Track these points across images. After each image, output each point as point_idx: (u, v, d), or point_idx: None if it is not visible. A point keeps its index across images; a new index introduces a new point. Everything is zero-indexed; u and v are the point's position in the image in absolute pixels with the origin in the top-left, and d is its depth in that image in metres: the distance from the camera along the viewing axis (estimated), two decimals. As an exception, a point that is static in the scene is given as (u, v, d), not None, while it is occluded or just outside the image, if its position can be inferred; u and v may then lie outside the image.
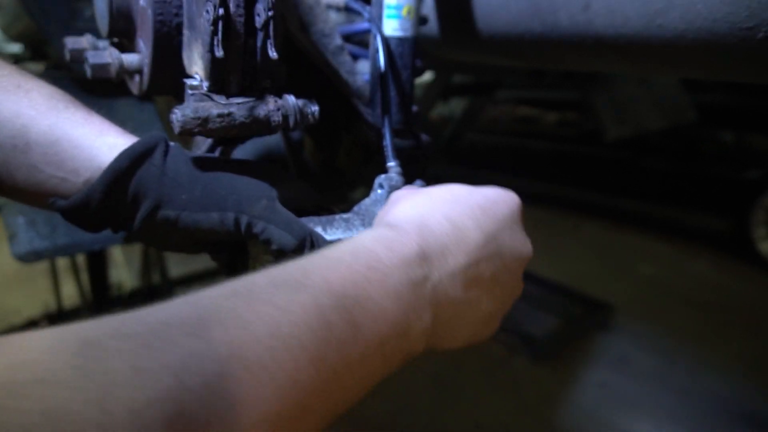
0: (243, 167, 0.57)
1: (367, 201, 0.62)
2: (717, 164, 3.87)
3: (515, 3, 0.77)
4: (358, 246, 0.41)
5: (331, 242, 0.56)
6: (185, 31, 0.55)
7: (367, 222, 0.60)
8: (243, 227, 0.52)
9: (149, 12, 0.54)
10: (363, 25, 0.88)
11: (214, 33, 0.48)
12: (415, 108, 0.78)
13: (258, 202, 0.53)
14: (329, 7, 0.85)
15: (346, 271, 0.38)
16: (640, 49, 0.66)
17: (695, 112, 2.49)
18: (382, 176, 0.64)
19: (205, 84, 0.52)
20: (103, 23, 0.62)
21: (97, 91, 1.25)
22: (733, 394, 2.44)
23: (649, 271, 3.76)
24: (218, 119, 0.51)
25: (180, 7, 0.55)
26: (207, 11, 0.47)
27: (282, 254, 0.54)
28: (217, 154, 0.66)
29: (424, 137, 0.78)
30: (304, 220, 0.57)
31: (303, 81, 0.78)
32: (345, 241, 0.44)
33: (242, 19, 0.49)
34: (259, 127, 0.53)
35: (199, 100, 0.51)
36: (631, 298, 3.33)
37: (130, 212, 0.52)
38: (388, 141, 0.72)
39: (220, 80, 0.52)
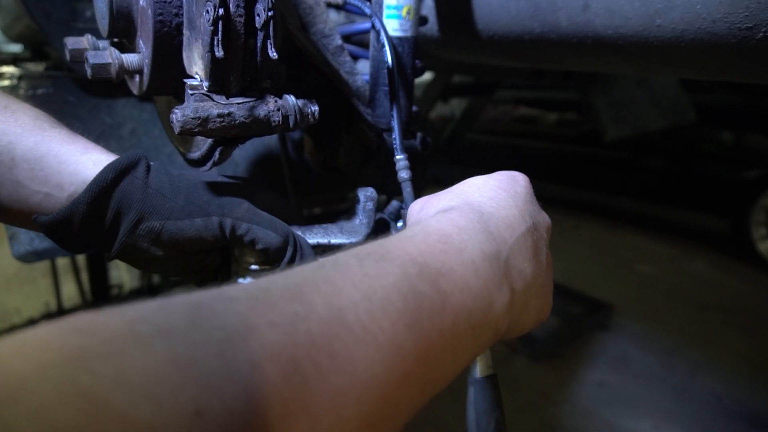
0: (220, 181, 0.59)
1: (345, 216, 0.65)
2: (717, 164, 3.86)
3: (515, 3, 0.77)
4: (425, 226, 0.42)
5: (312, 245, 0.58)
6: (185, 32, 0.55)
7: (346, 230, 0.62)
8: (227, 230, 0.53)
9: (149, 12, 0.54)
10: (363, 25, 0.88)
11: (214, 33, 0.48)
12: (415, 108, 0.78)
13: (240, 206, 0.55)
14: (329, 6, 0.85)
15: (422, 245, 0.38)
16: (639, 49, 0.66)
17: (695, 112, 2.49)
18: (360, 190, 0.65)
19: (205, 84, 0.52)
20: (103, 23, 0.62)
21: (97, 91, 1.25)
22: (732, 394, 2.44)
23: (649, 271, 3.76)
24: (218, 119, 0.51)
25: (180, 7, 0.55)
26: (207, 11, 0.47)
27: (267, 255, 0.55)
28: (217, 154, 0.66)
29: (425, 137, 0.79)
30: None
31: (303, 81, 0.78)
32: (409, 226, 0.45)
33: (242, 19, 0.49)
34: (259, 127, 0.53)
35: (199, 100, 0.51)
36: (631, 298, 3.33)
37: (113, 228, 0.52)
38: (396, 134, 0.72)
39: (220, 80, 0.52)
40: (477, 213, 0.44)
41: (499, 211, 0.46)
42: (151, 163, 0.56)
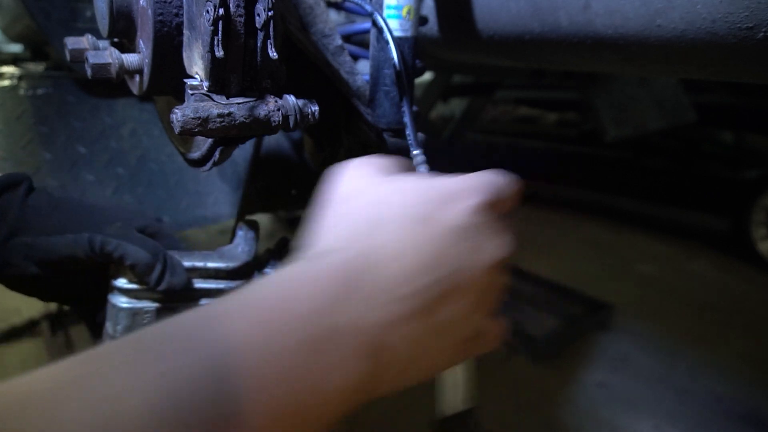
0: (106, 205, 0.61)
1: (229, 246, 0.66)
2: (717, 164, 3.86)
3: (515, 3, 0.77)
4: (263, 291, 0.35)
5: (187, 267, 0.60)
6: (185, 31, 0.55)
7: (226, 256, 0.63)
8: (97, 246, 0.53)
9: (149, 12, 0.54)
10: (363, 25, 0.88)
11: (214, 33, 0.48)
12: (415, 108, 0.78)
13: (113, 224, 0.56)
14: (329, 5, 0.85)
15: (242, 322, 0.32)
16: (639, 49, 0.66)
17: (695, 112, 2.49)
18: (242, 223, 0.67)
19: (206, 84, 0.52)
20: (103, 23, 0.62)
21: (97, 91, 1.25)
22: (733, 394, 2.44)
23: (649, 271, 3.76)
24: (218, 119, 0.51)
25: (180, 7, 0.55)
26: (207, 11, 0.47)
27: (136, 272, 0.56)
28: (217, 154, 0.66)
29: (425, 137, 0.78)
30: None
31: (303, 81, 0.78)
32: (256, 281, 0.38)
33: (242, 19, 0.49)
34: (259, 127, 0.53)
35: (199, 100, 0.51)
36: (631, 298, 3.33)
37: None
38: (410, 129, 0.72)
39: (220, 80, 0.52)
40: (357, 268, 0.36)
41: (397, 260, 0.37)
42: (36, 186, 0.58)
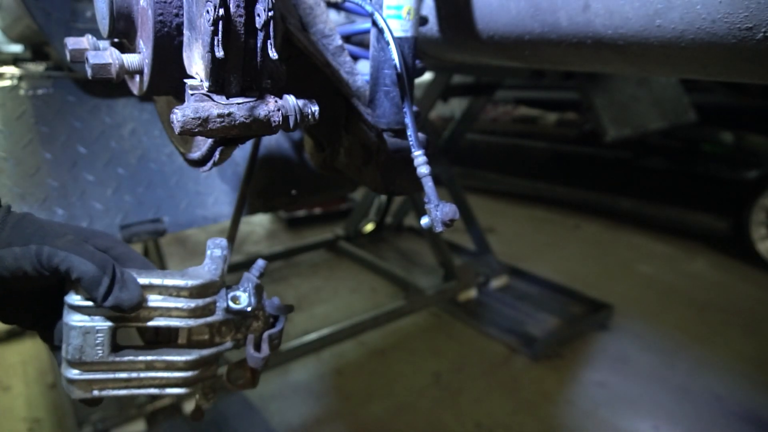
0: (62, 223, 0.59)
1: (196, 267, 0.63)
2: (717, 164, 3.87)
3: (515, 4, 0.77)
4: None
5: (143, 284, 0.57)
6: (186, 32, 0.55)
7: (188, 275, 0.60)
8: (44, 258, 0.51)
9: (149, 12, 0.55)
10: (363, 25, 0.88)
11: (215, 33, 0.48)
12: (415, 108, 0.78)
13: (62, 237, 0.54)
14: (329, 5, 0.85)
15: None
16: (639, 49, 0.66)
17: (695, 112, 2.49)
18: (210, 240, 0.65)
19: (206, 84, 0.52)
20: (103, 24, 0.62)
21: (97, 91, 1.25)
22: (732, 394, 2.44)
23: (649, 271, 3.76)
24: (218, 119, 0.51)
25: (180, 7, 0.55)
26: (207, 11, 0.47)
27: (83, 286, 0.53)
28: (217, 154, 0.66)
29: (425, 137, 0.79)
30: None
31: (303, 81, 0.78)
32: None
33: (242, 20, 0.49)
34: (259, 127, 0.53)
35: (200, 100, 0.51)
36: (631, 298, 3.33)
37: None
38: (411, 130, 0.72)
39: (220, 80, 0.52)
40: None
41: None
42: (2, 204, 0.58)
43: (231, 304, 0.64)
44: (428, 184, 0.69)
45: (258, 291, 0.67)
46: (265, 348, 0.67)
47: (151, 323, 0.59)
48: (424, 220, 0.69)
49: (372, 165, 0.82)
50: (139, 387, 0.61)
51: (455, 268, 3.24)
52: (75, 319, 0.56)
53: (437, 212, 0.67)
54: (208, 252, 0.64)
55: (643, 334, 2.95)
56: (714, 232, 3.94)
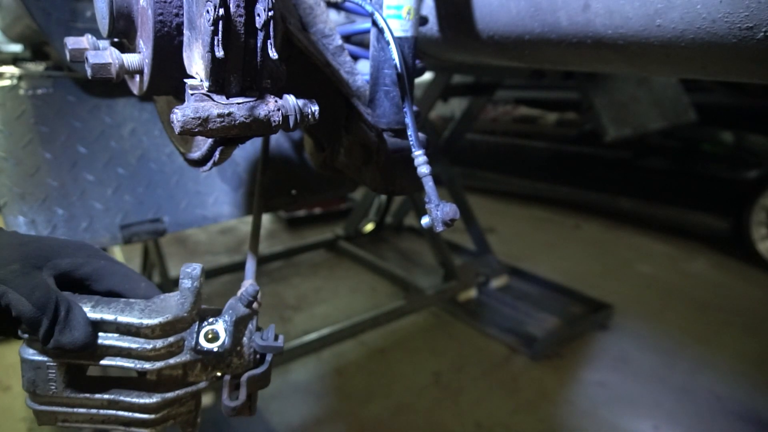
0: (29, 236, 0.56)
1: (169, 294, 0.58)
2: (717, 164, 3.87)
3: (515, 4, 0.77)
4: None
5: (94, 320, 0.53)
6: (186, 32, 0.55)
7: (151, 309, 0.55)
8: None
9: (149, 12, 0.54)
10: (363, 25, 0.88)
11: (215, 33, 0.48)
12: (415, 108, 0.78)
13: (6, 266, 0.50)
14: (329, 5, 0.85)
15: None
16: (639, 49, 0.66)
17: (695, 112, 2.49)
18: (184, 267, 0.58)
19: (206, 84, 0.52)
20: (103, 23, 0.62)
21: (97, 91, 1.25)
22: (732, 394, 2.44)
23: (649, 271, 3.76)
24: (218, 119, 0.51)
25: (180, 7, 0.55)
26: (207, 11, 0.47)
27: (26, 329, 0.50)
28: (217, 154, 0.66)
29: (426, 137, 0.78)
30: (76, 296, 0.54)
31: (303, 81, 0.78)
32: None
33: (242, 19, 0.49)
34: (259, 127, 0.53)
35: (200, 100, 0.51)
36: (631, 298, 3.33)
37: None
38: (411, 130, 0.72)
39: (220, 80, 0.52)
40: None
41: None
42: None
43: (202, 342, 0.58)
44: (429, 184, 0.69)
45: (240, 324, 0.60)
46: (242, 394, 0.60)
47: (104, 362, 0.55)
48: (425, 220, 0.69)
49: (372, 165, 0.82)
50: (104, 422, 0.58)
51: (455, 268, 3.24)
52: (28, 353, 0.54)
53: (438, 212, 0.67)
54: (180, 282, 0.57)
55: (643, 333, 2.95)
56: (714, 232, 3.94)
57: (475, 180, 5.34)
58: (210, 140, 0.66)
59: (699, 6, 0.56)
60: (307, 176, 1.38)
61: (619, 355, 2.76)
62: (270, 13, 0.49)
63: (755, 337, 2.92)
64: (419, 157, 0.69)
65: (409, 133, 0.72)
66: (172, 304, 0.56)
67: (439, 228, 0.67)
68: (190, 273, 0.57)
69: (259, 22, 0.49)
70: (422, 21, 0.85)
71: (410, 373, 2.59)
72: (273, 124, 0.54)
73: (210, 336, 0.58)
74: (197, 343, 0.57)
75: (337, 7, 0.85)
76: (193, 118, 0.50)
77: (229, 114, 0.51)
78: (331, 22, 0.82)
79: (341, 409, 2.36)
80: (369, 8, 0.75)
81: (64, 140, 1.19)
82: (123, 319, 0.54)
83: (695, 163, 3.96)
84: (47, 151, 1.16)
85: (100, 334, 0.54)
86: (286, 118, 0.55)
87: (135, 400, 0.56)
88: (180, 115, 0.49)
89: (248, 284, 0.62)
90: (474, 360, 2.71)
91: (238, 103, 0.52)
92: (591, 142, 4.42)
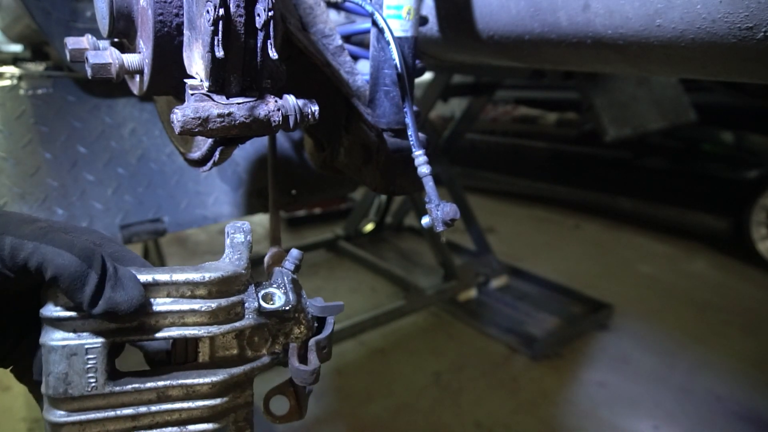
0: (34, 216, 0.47)
1: (214, 261, 0.51)
2: (717, 164, 3.87)
3: (515, 3, 0.77)
4: None
5: (145, 282, 0.44)
6: (186, 32, 0.55)
7: (203, 270, 0.47)
8: (6, 251, 0.38)
9: (149, 12, 0.54)
10: (363, 25, 0.88)
11: (215, 33, 0.48)
12: (415, 108, 0.78)
13: (31, 223, 0.41)
14: (329, 5, 0.85)
15: None
16: (639, 49, 0.66)
17: (695, 112, 2.49)
18: (229, 225, 0.51)
19: (206, 84, 0.52)
20: (103, 24, 0.62)
21: (97, 91, 1.25)
22: (733, 394, 2.44)
23: (649, 271, 3.76)
24: (218, 119, 0.51)
25: (180, 7, 0.55)
26: (207, 11, 0.47)
27: (62, 286, 0.40)
28: (217, 154, 0.66)
29: (426, 137, 0.79)
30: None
31: (303, 81, 0.78)
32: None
33: (242, 20, 0.49)
34: (259, 127, 0.53)
35: (200, 100, 0.51)
36: (631, 298, 3.33)
37: None
38: (412, 130, 0.72)
39: (220, 80, 0.52)
40: None
41: None
42: None
43: (263, 303, 0.51)
44: (429, 184, 0.69)
45: (296, 287, 0.54)
46: (314, 359, 0.53)
47: (159, 335, 0.45)
48: (425, 220, 0.69)
49: (372, 165, 0.82)
50: (151, 427, 0.46)
51: (455, 268, 3.24)
52: (55, 338, 0.42)
53: (438, 212, 0.67)
54: (228, 239, 0.50)
55: (643, 334, 2.95)
56: (714, 232, 3.94)
57: (475, 180, 5.34)
58: (210, 140, 0.66)
59: (699, 6, 0.56)
60: (307, 176, 1.38)
61: (619, 355, 2.76)
62: (270, 13, 0.49)
63: (755, 337, 2.92)
64: (419, 157, 0.69)
65: (409, 133, 0.72)
66: (224, 264, 0.49)
67: (440, 228, 0.67)
68: (241, 227, 0.51)
69: (259, 22, 0.49)
70: (422, 21, 0.85)
71: (410, 373, 2.59)
72: (273, 124, 0.54)
73: (268, 299, 0.52)
74: (260, 304, 0.50)
75: (337, 7, 0.85)
76: (193, 118, 0.50)
77: (229, 114, 0.51)
78: (331, 22, 0.82)
79: (341, 409, 2.36)
80: (369, 8, 0.75)
81: (64, 140, 1.19)
82: (179, 277, 0.46)
83: (695, 163, 3.96)
84: (47, 151, 1.16)
85: (151, 301, 0.45)
86: (286, 118, 0.55)
87: (198, 380, 0.47)
88: (180, 115, 0.49)
89: (293, 250, 0.56)
90: (474, 360, 2.70)
91: (238, 103, 0.52)
92: (591, 142, 4.42)
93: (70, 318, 0.42)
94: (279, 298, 0.52)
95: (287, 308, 0.51)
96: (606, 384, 2.52)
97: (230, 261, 0.50)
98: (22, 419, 2.25)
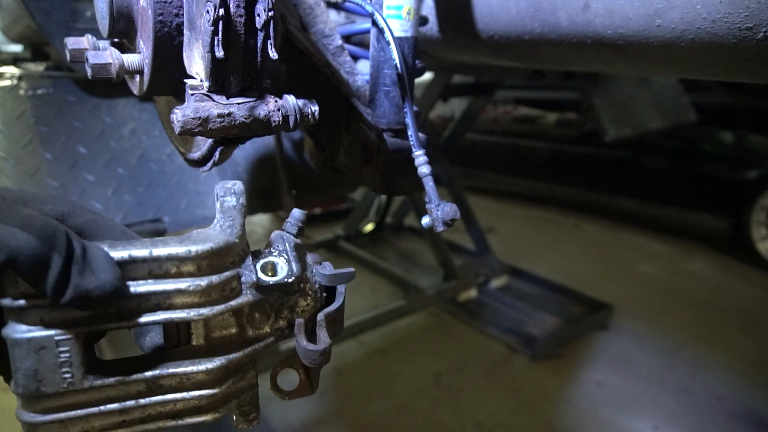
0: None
1: (204, 228, 0.45)
2: (717, 164, 3.87)
3: (515, 4, 0.77)
4: None
5: (120, 259, 0.38)
6: (186, 32, 0.55)
7: (189, 241, 0.41)
8: None
9: (149, 12, 0.54)
10: (363, 25, 0.88)
11: (215, 33, 0.48)
12: (415, 108, 0.78)
13: None
14: (329, 5, 0.85)
15: None
16: (639, 49, 0.66)
17: (695, 112, 2.49)
18: (219, 185, 0.45)
19: (206, 84, 0.52)
20: (103, 24, 0.62)
21: (97, 91, 1.25)
22: (732, 394, 2.44)
23: (649, 271, 3.76)
24: (218, 119, 0.51)
25: (180, 7, 0.55)
26: (207, 11, 0.47)
27: (20, 271, 0.34)
28: (217, 154, 0.66)
29: (426, 137, 0.79)
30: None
31: (303, 81, 0.78)
32: None
33: (242, 20, 0.49)
34: (259, 127, 0.53)
35: (200, 100, 0.51)
36: (631, 298, 3.33)
37: None
38: (412, 130, 0.72)
39: (220, 80, 0.52)
40: None
41: None
42: None
43: (262, 276, 0.45)
44: (429, 184, 0.69)
45: (300, 253, 0.47)
46: (324, 336, 0.47)
47: (143, 320, 0.40)
48: (425, 220, 0.69)
49: (372, 165, 0.82)
50: (142, 420, 0.41)
51: (455, 268, 3.24)
52: (20, 330, 0.36)
53: (438, 212, 0.67)
54: (218, 203, 0.44)
55: (643, 334, 2.95)
56: (714, 232, 3.94)
57: (475, 180, 5.34)
58: (210, 140, 0.66)
59: (699, 6, 0.56)
60: (307, 176, 1.38)
61: (619, 355, 2.76)
62: (270, 14, 0.49)
63: (755, 337, 2.92)
64: (419, 157, 0.69)
65: (409, 133, 0.72)
66: (214, 233, 0.43)
67: (440, 228, 0.67)
68: (231, 189, 0.44)
69: (259, 22, 0.49)
70: (422, 21, 0.85)
71: (410, 373, 2.59)
72: (273, 124, 0.54)
73: (268, 269, 0.45)
74: (258, 277, 0.44)
75: (337, 7, 0.85)
76: (193, 119, 0.50)
77: (229, 114, 0.51)
78: (331, 22, 0.82)
79: (341, 409, 2.36)
80: (369, 8, 0.75)
81: (64, 140, 1.19)
82: (160, 251, 0.39)
83: (695, 163, 3.96)
84: (47, 151, 1.16)
85: (129, 282, 0.39)
86: (286, 118, 0.55)
87: (192, 368, 0.41)
88: (180, 115, 0.49)
89: (294, 210, 0.49)
90: (474, 360, 2.70)
91: (238, 103, 0.52)
92: (591, 142, 4.42)
93: (34, 307, 0.36)
94: (281, 269, 0.46)
95: (290, 280, 0.45)
96: (606, 384, 2.52)
97: (221, 229, 0.43)
98: (22, 419, 2.25)
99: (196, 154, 0.70)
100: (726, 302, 3.31)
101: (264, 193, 1.35)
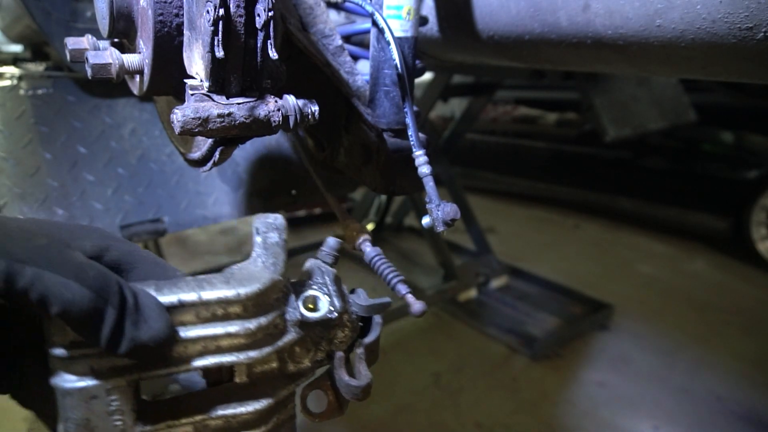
0: (39, 221, 0.40)
1: (242, 263, 0.44)
2: (717, 164, 3.87)
3: (515, 4, 0.77)
4: None
5: (169, 304, 0.38)
6: (186, 32, 0.55)
7: (236, 279, 0.41)
8: (1, 279, 0.31)
9: (149, 12, 0.54)
10: (363, 25, 0.88)
11: (215, 33, 0.48)
12: (415, 108, 0.78)
13: (30, 241, 0.33)
14: (329, 5, 0.85)
15: None
16: (639, 49, 0.66)
17: (695, 112, 2.49)
18: (258, 218, 0.45)
19: (206, 84, 0.52)
20: (103, 24, 0.62)
21: (97, 91, 1.25)
22: (732, 394, 2.44)
23: (649, 271, 3.76)
24: (218, 119, 0.51)
25: (180, 7, 0.55)
26: (207, 12, 0.47)
27: (72, 325, 0.33)
28: (217, 154, 0.66)
29: (426, 137, 0.79)
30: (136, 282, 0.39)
31: (303, 81, 0.78)
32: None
33: (242, 20, 0.49)
34: (259, 127, 0.53)
35: (200, 100, 0.51)
36: (631, 298, 3.33)
37: None
38: (412, 130, 0.72)
39: (220, 80, 0.52)
40: None
41: None
42: None
43: (306, 313, 0.44)
44: (429, 184, 0.69)
45: (338, 286, 0.47)
46: (364, 370, 0.47)
47: (194, 365, 0.39)
48: (425, 220, 0.69)
49: (372, 165, 0.82)
50: None
51: (455, 268, 3.24)
52: (70, 380, 0.36)
53: (438, 212, 0.67)
54: (258, 238, 0.43)
55: (643, 334, 2.95)
56: (714, 232, 3.94)
57: (475, 180, 5.34)
58: (210, 140, 0.66)
59: (699, 6, 0.56)
60: (307, 176, 1.38)
61: (619, 355, 2.76)
62: (270, 14, 0.49)
63: (755, 337, 2.92)
64: (420, 157, 0.69)
65: (409, 133, 0.72)
66: (257, 270, 0.42)
67: (440, 228, 0.67)
68: (274, 224, 0.44)
69: (259, 22, 0.49)
70: (422, 21, 0.85)
71: (410, 373, 2.59)
72: (273, 124, 0.54)
73: (310, 304, 0.45)
74: (302, 314, 0.44)
75: (337, 7, 0.85)
76: (193, 119, 0.50)
77: (229, 114, 0.51)
78: (331, 22, 0.82)
79: (341, 409, 2.35)
80: (369, 8, 0.75)
81: (64, 140, 1.19)
82: (209, 295, 0.38)
83: (695, 163, 3.96)
84: (47, 151, 1.16)
85: (177, 327, 0.38)
86: (286, 118, 0.55)
87: (239, 410, 0.41)
88: (180, 115, 0.49)
89: (329, 239, 0.49)
90: (474, 360, 2.70)
91: (238, 104, 0.52)
92: (591, 142, 4.42)
93: (84, 356, 0.36)
94: (322, 304, 0.46)
95: (334, 316, 0.45)
96: (606, 384, 2.52)
97: (264, 266, 0.43)
98: (22, 419, 2.25)
99: (196, 154, 0.70)
100: (726, 302, 3.31)
101: (264, 193, 1.35)
